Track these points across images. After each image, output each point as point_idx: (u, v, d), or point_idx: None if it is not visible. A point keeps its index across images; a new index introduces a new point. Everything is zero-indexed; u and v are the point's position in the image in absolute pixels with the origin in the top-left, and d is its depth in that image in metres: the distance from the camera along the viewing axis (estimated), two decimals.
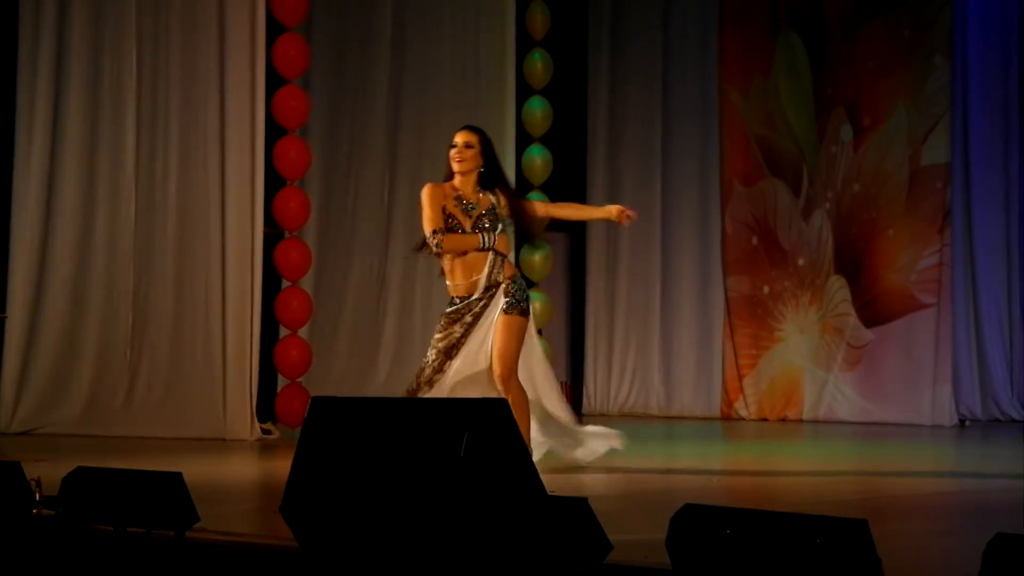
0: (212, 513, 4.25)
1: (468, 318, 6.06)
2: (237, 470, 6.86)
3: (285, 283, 8.45)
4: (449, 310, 6.14)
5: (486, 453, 3.62)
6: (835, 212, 10.06)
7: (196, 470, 5.61)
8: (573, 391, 11.21)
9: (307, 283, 8.67)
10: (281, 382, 8.46)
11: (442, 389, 6.01)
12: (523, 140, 9.75)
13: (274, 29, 8.31)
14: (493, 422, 3.70)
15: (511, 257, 6.34)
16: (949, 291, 9.65)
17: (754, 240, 10.37)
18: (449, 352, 6.05)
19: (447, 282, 6.16)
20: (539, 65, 9.78)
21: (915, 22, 9.78)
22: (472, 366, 6.02)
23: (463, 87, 9.68)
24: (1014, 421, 9.98)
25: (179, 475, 4.07)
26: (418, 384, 6.09)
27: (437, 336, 6.11)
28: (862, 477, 6.68)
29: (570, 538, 3.39)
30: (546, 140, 9.63)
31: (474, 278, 6.07)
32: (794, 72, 10.25)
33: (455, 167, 6.15)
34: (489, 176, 6.17)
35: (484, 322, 6.04)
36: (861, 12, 10.00)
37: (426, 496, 3.58)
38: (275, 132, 8.34)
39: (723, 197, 10.52)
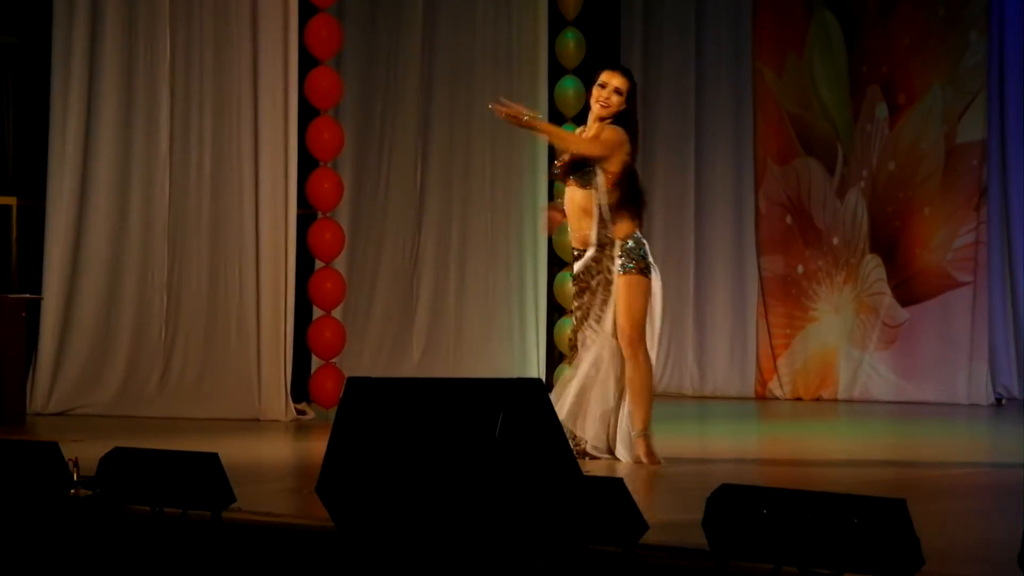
0: (248, 493, 4.27)
1: (595, 285, 5.88)
2: (272, 450, 6.88)
3: (318, 264, 8.46)
4: (576, 269, 5.96)
5: (521, 433, 3.62)
6: (870, 191, 10.00)
7: (231, 451, 5.63)
8: None
9: (340, 264, 8.68)
10: (315, 363, 8.48)
11: (580, 370, 5.87)
12: (556, 120, 9.70)
13: (306, 10, 8.31)
14: (528, 402, 3.69)
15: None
16: (985, 269, 9.59)
17: (788, 219, 10.32)
18: (585, 323, 5.91)
19: None
20: (571, 45, 9.73)
21: None
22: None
23: (495, 67, 9.65)
24: None
25: (215, 456, 4.09)
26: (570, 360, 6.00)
27: (574, 304, 6.00)
28: (898, 456, 6.65)
29: (606, 518, 3.38)
30: (579, 120, 9.54)
31: (583, 231, 5.87)
32: (828, 50, 10.18)
33: (597, 110, 5.85)
34: (623, 123, 5.84)
35: (600, 286, 5.86)
36: None
37: (461, 476, 3.58)
38: (308, 113, 8.35)
39: (757, 176, 10.47)
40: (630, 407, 5.84)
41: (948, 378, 9.59)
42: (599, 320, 5.89)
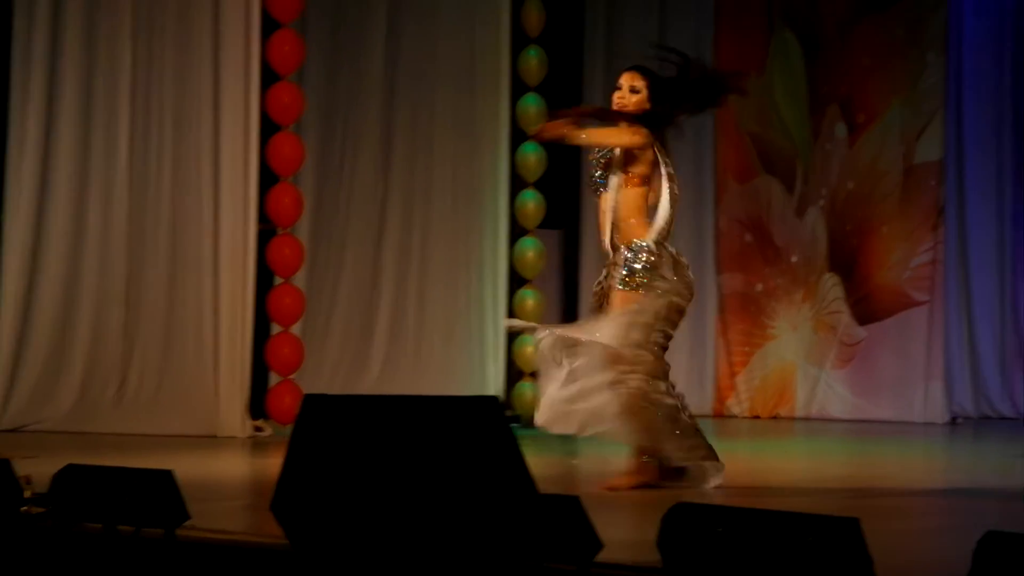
0: (203, 510, 4.24)
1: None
2: (229, 467, 6.85)
3: (278, 280, 8.44)
4: (597, 285, 5.63)
5: (477, 450, 3.61)
6: (829, 209, 10.07)
7: (187, 467, 5.60)
8: None
9: (300, 280, 8.65)
10: (273, 379, 8.45)
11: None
12: (517, 137, 9.74)
13: (269, 25, 8.30)
14: (485, 419, 3.69)
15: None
16: (942, 288, 9.66)
17: (747, 237, 10.37)
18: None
19: None
20: (534, 62, 9.75)
21: (909, 20, 9.79)
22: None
23: (457, 83, 9.66)
24: (1005, 418, 9.99)
25: (170, 473, 4.06)
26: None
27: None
28: (853, 475, 6.68)
29: (561, 536, 3.38)
30: None
31: (605, 239, 5.58)
32: (789, 69, 10.25)
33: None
34: (654, 121, 5.59)
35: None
36: (856, 10, 10.01)
37: (417, 494, 3.57)
38: (269, 128, 8.33)
39: (717, 194, 10.52)
40: None
41: (904, 397, 9.64)
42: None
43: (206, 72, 8.28)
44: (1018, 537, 2.78)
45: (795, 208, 10.20)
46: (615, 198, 5.58)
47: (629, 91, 5.63)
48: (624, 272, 5.49)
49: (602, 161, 5.66)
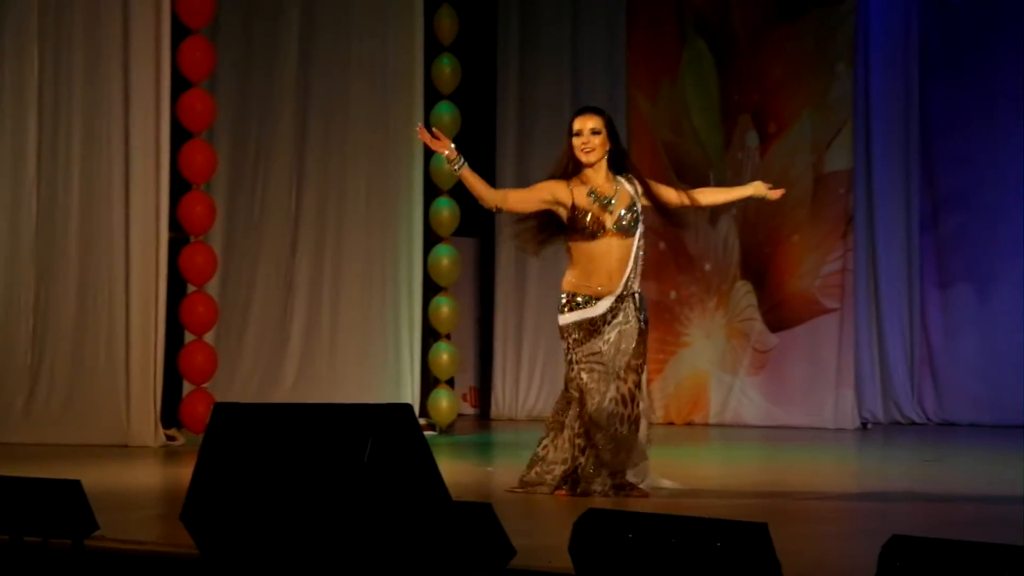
0: (113, 520, 4.20)
1: (611, 335, 5.66)
2: (140, 477, 6.79)
3: (190, 288, 8.36)
4: (578, 318, 5.65)
5: (391, 459, 3.61)
6: (741, 218, 10.17)
7: (98, 477, 5.55)
8: (481, 396, 11.21)
9: (212, 288, 8.58)
10: (186, 388, 8.38)
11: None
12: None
13: (179, 31, 8.23)
14: (398, 428, 3.69)
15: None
16: (852, 296, 9.79)
17: (661, 245, 10.43)
18: (610, 371, 5.66)
19: (571, 278, 5.67)
20: (447, 70, 9.76)
21: (819, 30, 9.92)
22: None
23: (371, 92, 9.64)
24: (915, 424, 10.15)
25: (78, 483, 4.01)
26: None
27: (581, 353, 5.65)
28: (765, 481, 6.75)
29: (474, 543, 3.39)
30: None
31: (614, 279, 5.63)
32: (701, 78, 10.34)
33: (584, 158, 5.59)
34: (617, 158, 5.67)
35: (624, 335, 5.67)
36: (766, 20, 10.12)
37: (330, 502, 3.56)
38: (181, 135, 8.26)
39: None
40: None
41: (815, 403, 9.76)
42: (632, 368, 5.80)
43: (116, 79, 8.19)
44: (922, 540, 2.83)
45: (708, 216, 10.28)
46: (642, 246, 5.79)
47: (591, 134, 5.65)
48: (643, 315, 5.77)
49: (634, 212, 5.78)
